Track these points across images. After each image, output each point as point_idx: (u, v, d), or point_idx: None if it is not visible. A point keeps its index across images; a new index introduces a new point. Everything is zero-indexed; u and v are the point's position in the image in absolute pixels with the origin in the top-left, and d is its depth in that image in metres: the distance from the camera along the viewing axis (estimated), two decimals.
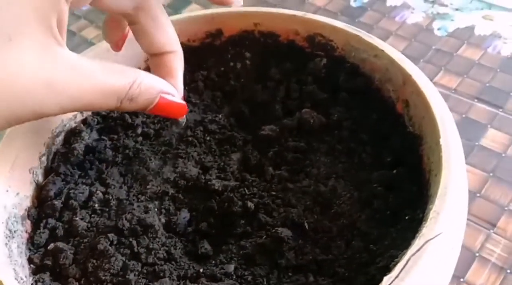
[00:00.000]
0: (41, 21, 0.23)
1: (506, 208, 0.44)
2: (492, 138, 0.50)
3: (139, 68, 0.34)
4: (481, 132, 0.50)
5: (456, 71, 0.56)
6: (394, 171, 0.32)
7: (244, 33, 0.40)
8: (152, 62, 0.32)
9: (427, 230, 0.24)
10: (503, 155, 0.48)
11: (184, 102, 0.30)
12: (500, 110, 0.52)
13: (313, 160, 0.34)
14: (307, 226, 0.30)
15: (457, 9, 0.63)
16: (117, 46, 0.33)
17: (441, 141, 0.28)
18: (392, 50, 0.34)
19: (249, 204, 0.31)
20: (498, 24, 0.60)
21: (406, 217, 0.29)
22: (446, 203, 0.25)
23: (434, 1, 0.65)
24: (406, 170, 0.31)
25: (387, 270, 0.25)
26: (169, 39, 0.32)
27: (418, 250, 0.24)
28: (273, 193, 0.32)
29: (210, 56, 0.40)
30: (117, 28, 0.32)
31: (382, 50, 0.34)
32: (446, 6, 0.64)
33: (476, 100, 0.53)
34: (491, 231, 0.43)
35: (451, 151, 0.27)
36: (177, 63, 0.32)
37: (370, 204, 0.31)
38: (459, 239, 0.26)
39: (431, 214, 0.25)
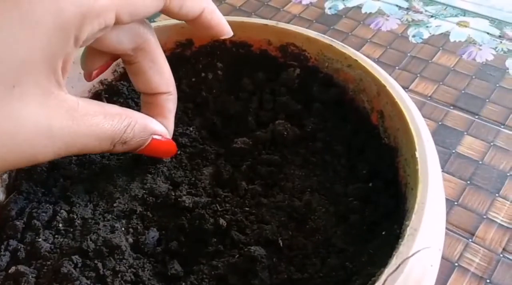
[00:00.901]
0: (47, 64, 0.22)
1: (484, 216, 0.44)
2: (468, 146, 0.49)
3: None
4: (457, 139, 0.50)
5: (431, 78, 0.56)
6: (370, 184, 0.31)
7: (216, 43, 0.39)
8: (145, 100, 0.32)
9: (404, 248, 0.23)
10: (480, 162, 0.48)
11: (174, 143, 0.31)
12: (476, 117, 0.52)
13: (287, 173, 0.33)
14: (281, 243, 0.29)
15: (432, 16, 0.63)
16: (90, 76, 0.32)
17: (417, 154, 0.27)
18: (366, 60, 0.33)
19: (221, 221, 0.30)
20: (473, 31, 0.60)
21: (383, 233, 0.28)
22: (424, 219, 0.24)
23: (409, 8, 0.65)
24: (382, 183, 0.31)
25: None
26: (165, 80, 0.31)
27: (396, 269, 0.23)
28: (247, 209, 0.31)
29: (180, 67, 0.39)
30: (98, 58, 0.31)
31: (356, 60, 0.33)
32: (421, 13, 0.64)
33: (452, 107, 0.53)
34: (470, 240, 0.43)
35: (427, 164, 0.27)
36: (170, 104, 0.32)
37: (346, 219, 0.30)
38: (438, 255, 0.25)
39: (408, 231, 0.24)
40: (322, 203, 0.31)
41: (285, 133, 0.34)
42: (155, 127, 0.29)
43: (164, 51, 0.39)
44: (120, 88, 0.38)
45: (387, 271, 0.23)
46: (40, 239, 0.30)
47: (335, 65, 0.35)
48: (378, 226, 0.29)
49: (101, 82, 0.38)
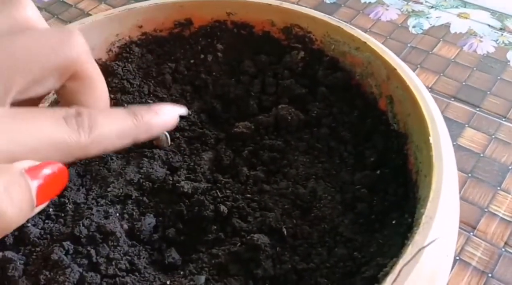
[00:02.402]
0: None
1: (486, 210, 0.43)
2: (470, 138, 0.48)
3: None
4: (458, 131, 0.49)
5: (432, 69, 0.55)
6: (378, 172, 0.30)
7: (216, 23, 0.37)
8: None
9: (419, 237, 0.22)
10: (482, 155, 0.47)
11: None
12: (477, 109, 0.51)
13: (291, 159, 0.31)
14: (285, 232, 0.28)
15: (432, 7, 0.62)
16: None
17: (431, 139, 0.26)
18: (375, 43, 0.32)
19: (222, 208, 0.29)
20: (473, 22, 0.59)
21: (393, 222, 0.27)
22: (439, 207, 0.23)
23: None
24: (391, 171, 0.29)
25: (375, 281, 0.22)
26: (99, 101, 0.27)
27: (411, 259, 0.21)
28: (248, 195, 0.30)
29: (178, 48, 0.37)
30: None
31: (365, 42, 0.32)
32: (421, 3, 0.63)
33: (453, 99, 0.52)
34: (471, 233, 0.42)
35: (441, 150, 0.25)
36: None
37: (353, 208, 0.28)
38: (453, 246, 0.24)
39: (424, 219, 0.23)
40: (327, 190, 0.29)
41: (289, 117, 0.32)
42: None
43: (161, 31, 0.37)
44: (115, 68, 0.36)
45: (402, 261, 0.22)
46: (29, 224, 0.28)
47: (342, 48, 0.33)
48: (387, 215, 0.27)
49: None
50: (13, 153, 0.20)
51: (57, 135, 0.22)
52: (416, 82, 0.29)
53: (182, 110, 0.29)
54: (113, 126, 0.24)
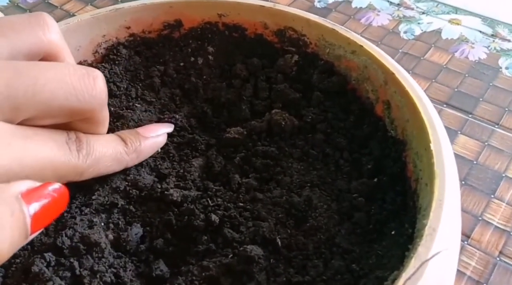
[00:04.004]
0: None
1: (480, 218, 0.42)
2: (463, 145, 0.48)
3: None
4: (451, 138, 0.48)
5: (424, 75, 0.54)
6: (375, 180, 0.29)
7: (207, 25, 0.36)
8: None
9: (423, 249, 0.21)
10: (475, 162, 0.46)
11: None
12: (470, 115, 0.50)
13: (285, 166, 0.30)
14: (279, 243, 0.26)
15: (423, 13, 0.61)
16: None
17: (432, 146, 0.25)
18: (372, 46, 0.31)
19: (213, 217, 0.27)
20: (465, 29, 0.59)
21: (392, 232, 0.25)
22: (443, 218, 0.22)
23: (400, 4, 0.63)
24: (389, 179, 0.28)
25: None
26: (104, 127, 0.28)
27: (415, 272, 0.20)
28: (241, 204, 0.28)
29: (168, 50, 0.36)
30: None
31: (361, 46, 0.31)
32: (412, 9, 0.62)
33: (445, 106, 0.51)
34: (465, 242, 0.41)
35: (443, 158, 0.24)
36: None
37: (350, 217, 0.27)
38: (456, 258, 0.23)
39: (427, 231, 0.22)
40: (323, 199, 0.28)
41: (283, 123, 0.31)
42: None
43: (150, 33, 0.36)
44: (102, 70, 0.34)
45: (405, 275, 0.20)
46: None
47: (337, 52, 0.32)
48: (385, 225, 0.26)
49: (80, 64, 0.35)
50: (13, 171, 0.20)
51: (59, 158, 0.23)
52: (415, 87, 0.28)
53: (170, 128, 0.30)
54: (107, 154, 0.26)
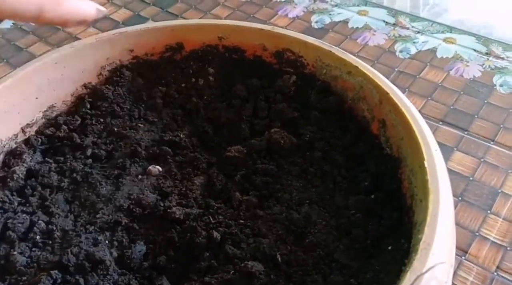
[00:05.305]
0: None
1: (477, 234, 0.43)
2: (459, 161, 0.48)
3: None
4: (447, 155, 0.49)
5: (420, 93, 0.55)
6: (372, 196, 0.30)
7: (208, 48, 0.37)
8: None
9: (418, 263, 0.22)
10: (471, 178, 0.47)
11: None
12: (466, 132, 0.51)
13: (284, 184, 0.31)
14: (279, 259, 0.27)
15: (418, 32, 0.63)
16: None
17: (426, 163, 0.26)
18: (367, 67, 0.32)
19: (215, 234, 0.28)
20: (459, 47, 0.60)
21: (389, 247, 0.26)
22: (437, 233, 0.23)
23: (396, 24, 0.64)
24: (385, 195, 0.29)
25: None
26: None
27: None
28: (241, 221, 0.29)
29: (170, 71, 0.37)
30: None
31: (356, 67, 0.32)
32: (408, 28, 0.63)
33: (441, 123, 0.52)
34: (463, 258, 0.41)
35: (437, 175, 0.25)
36: None
37: (348, 233, 0.28)
38: (451, 272, 0.24)
39: (421, 245, 0.22)
40: (322, 216, 0.29)
41: (282, 141, 0.32)
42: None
43: (152, 55, 0.37)
44: (106, 92, 0.35)
45: None
46: (15, 252, 0.28)
47: (334, 72, 0.33)
48: (382, 241, 0.27)
49: (84, 86, 0.36)
50: None
51: None
52: (409, 106, 0.29)
53: (101, 8, 0.26)
54: None
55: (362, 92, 0.32)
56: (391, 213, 0.28)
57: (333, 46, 0.33)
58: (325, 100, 0.34)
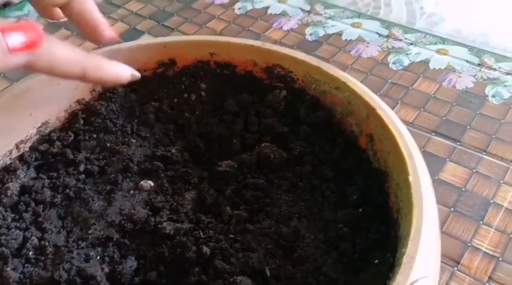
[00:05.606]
0: None
1: (469, 244, 0.43)
2: (451, 172, 0.49)
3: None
4: (440, 166, 0.49)
5: (412, 105, 0.56)
6: (360, 210, 0.30)
7: (199, 63, 0.38)
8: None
9: (401, 277, 0.22)
10: (463, 189, 0.47)
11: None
12: (458, 143, 0.51)
13: (274, 198, 0.32)
14: (268, 273, 0.27)
15: (411, 44, 0.63)
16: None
17: (410, 178, 0.26)
18: (355, 82, 0.32)
19: (204, 249, 0.28)
20: (452, 58, 0.61)
21: (376, 261, 0.27)
22: (420, 247, 0.23)
23: (389, 36, 0.65)
24: (373, 209, 0.30)
25: None
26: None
27: None
28: (231, 235, 0.30)
29: (162, 87, 0.38)
30: None
31: (344, 82, 0.32)
32: (401, 40, 0.64)
33: (433, 134, 0.52)
34: (455, 268, 0.42)
35: (421, 189, 0.26)
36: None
37: (336, 247, 0.28)
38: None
39: (405, 259, 0.23)
40: (310, 229, 0.29)
41: (272, 156, 0.33)
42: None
43: (145, 71, 0.38)
44: (98, 108, 0.36)
45: None
46: (8, 269, 0.28)
47: (323, 87, 0.34)
48: (369, 254, 0.27)
49: (78, 102, 0.36)
50: None
51: None
52: (395, 121, 0.29)
53: (136, 72, 0.29)
54: (66, 48, 0.26)
55: (350, 107, 0.32)
56: (378, 227, 0.28)
57: (321, 62, 0.34)
58: (314, 114, 0.34)
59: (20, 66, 0.24)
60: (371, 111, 0.30)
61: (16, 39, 0.23)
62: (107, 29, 0.30)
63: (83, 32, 0.30)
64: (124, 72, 0.29)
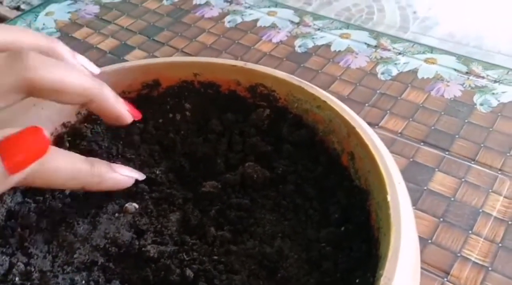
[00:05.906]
0: None
1: (459, 254, 0.43)
2: (440, 182, 0.49)
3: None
4: (429, 175, 0.50)
5: (401, 115, 0.56)
6: (342, 229, 0.30)
7: (184, 84, 0.38)
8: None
9: None
10: (452, 199, 0.48)
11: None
12: (447, 153, 0.52)
13: (258, 218, 0.32)
14: None
15: (399, 53, 0.64)
16: None
17: (388, 197, 0.26)
18: (335, 101, 0.33)
19: (188, 271, 0.29)
20: (440, 67, 0.61)
21: (357, 281, 0.27)
22: (398, 268, 0.23)
23: (377, 46, 0.65)
24: (355, 228, 0.30)
25: None
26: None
27: None
28: (215, 257, 0.30)
29: (147, 108, 0.38)
30: None
31: (325, 101, 0.33)
32: (389, 50, 0.65)
33: (422, 144, 0.53)
34: (445, 279, 0.42)
35: (399, 209, 0.26)
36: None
37: (319, 266, 0.29)
38: None
39: (382, 281, 0.23)
40: (294, 249, 0.30)
41: (255, 175, 0.33)
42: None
43: (129, 93, 0.38)
44: (84, 130, 0.36)
45: None
46: None
47: (304, 106, 0.34)
48: (351, 274, 0.28)
49: (63, 125, 0.37)
50: None
51: None
52: (374, 140, 0.29)
53: (140, 175, 0.31)
54: (68, 164, 0.26)
55: (332, 125, 0.33)
56: (360, 245, 0.29)
57: (303, 81, 0.34)
58: (297, 133, 0.35)
59: (18, 183, 0.23)
60: (351, 129, 0.31)
61: (17, 158, 0.23)
62: (128, 116, 0.31)
63: (105, 121, 0.31)
64: (125, 181, 0.31)
